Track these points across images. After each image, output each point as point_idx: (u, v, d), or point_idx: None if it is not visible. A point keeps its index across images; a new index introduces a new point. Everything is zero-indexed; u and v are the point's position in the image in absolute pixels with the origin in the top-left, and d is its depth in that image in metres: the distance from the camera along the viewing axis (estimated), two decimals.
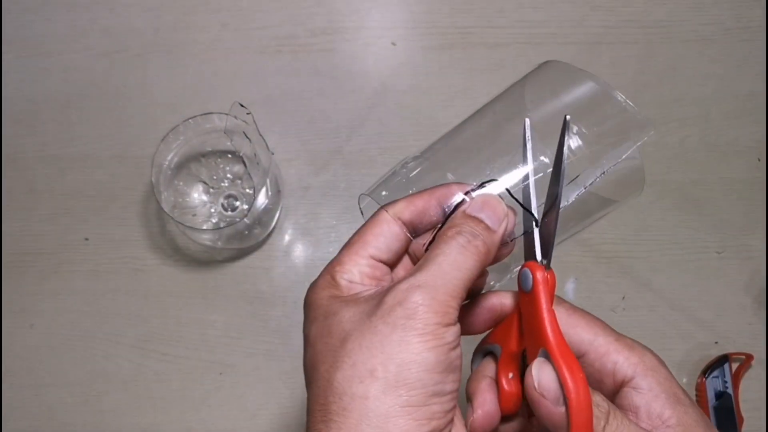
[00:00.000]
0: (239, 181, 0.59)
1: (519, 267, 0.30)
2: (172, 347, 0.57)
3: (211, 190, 0.59)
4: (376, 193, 0.33)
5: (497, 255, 0.30)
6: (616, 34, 0.65)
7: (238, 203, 0.59)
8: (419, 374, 0.26)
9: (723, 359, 0.57)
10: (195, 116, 0.56)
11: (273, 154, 0.56)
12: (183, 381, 0.57)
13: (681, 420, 0.28)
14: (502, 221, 0.30)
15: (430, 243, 0.31)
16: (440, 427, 0.26)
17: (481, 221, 0.29)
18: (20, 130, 0.62)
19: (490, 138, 0.34)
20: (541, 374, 0.27)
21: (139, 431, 0.56)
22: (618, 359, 0.30)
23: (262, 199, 0.56)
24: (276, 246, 0.60)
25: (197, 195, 0.59)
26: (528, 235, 0.31)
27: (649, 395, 0.29)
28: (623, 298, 0.59)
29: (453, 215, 0.30)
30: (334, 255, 0.31)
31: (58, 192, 0.61)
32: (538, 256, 0.30)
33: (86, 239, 0.60)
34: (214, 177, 0.59)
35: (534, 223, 0.30)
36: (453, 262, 0.28)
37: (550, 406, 0.27)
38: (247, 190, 0.59)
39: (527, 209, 0.30)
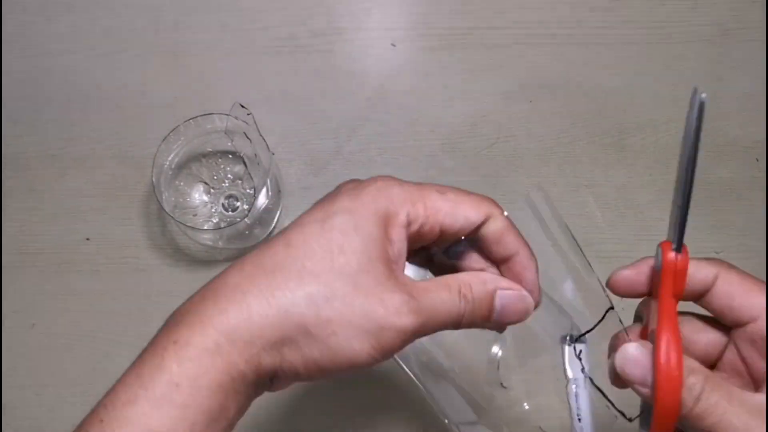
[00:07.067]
0: (240, 182, 0.59)
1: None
2: None
3: (212, 190, 0.59)
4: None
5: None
6: (615, 35, 0.65)
7: (238, 203, 0.59)
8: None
9: None
10: (196, 117, 0.56)
11: (273, 154, 0.56)
12: None
13: None
14: (507, 320, 0.31)
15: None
16: None
17: (492, 310, 0.30)
18: (20, 130, 0.62)
19: None
20: (626, 361, 0.29)
21: None
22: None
23: (262, 199, 0.56)
24: None
25: (198, 195, 0.59)
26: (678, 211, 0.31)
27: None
28: (623, 298, 0.59)
29: (487, 280, 0.31)
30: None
31: (58, 192, 0.61)
32: (673, 237, 0.31)
33: (87, 239, 0.60)
34: (215, 177, 0.60)
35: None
36: (447, 312, 0.29)
37: (638, 388, 0.29)
38: (248, 191, 0.59)
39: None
